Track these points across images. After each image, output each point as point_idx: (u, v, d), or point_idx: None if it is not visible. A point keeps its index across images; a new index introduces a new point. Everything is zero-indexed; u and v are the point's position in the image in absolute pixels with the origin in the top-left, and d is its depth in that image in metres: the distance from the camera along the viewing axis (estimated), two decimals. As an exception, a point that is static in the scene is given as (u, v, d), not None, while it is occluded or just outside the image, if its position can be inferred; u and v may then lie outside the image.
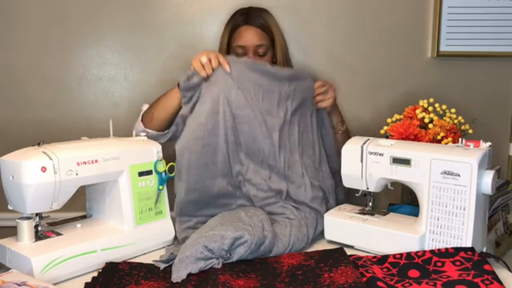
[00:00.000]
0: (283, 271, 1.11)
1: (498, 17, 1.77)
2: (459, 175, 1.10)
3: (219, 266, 1.09)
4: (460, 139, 1.19)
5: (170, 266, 1.14)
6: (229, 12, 1.68)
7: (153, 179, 1.28)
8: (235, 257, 1.13)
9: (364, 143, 1.26)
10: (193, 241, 1.12)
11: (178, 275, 1.07)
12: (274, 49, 1.61)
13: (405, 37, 1.79)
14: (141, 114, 1.49)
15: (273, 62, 1.60)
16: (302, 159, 1.40)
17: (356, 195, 1.31)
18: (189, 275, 1.08)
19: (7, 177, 1.08)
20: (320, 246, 1.27)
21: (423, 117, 1.41)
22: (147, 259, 1.19)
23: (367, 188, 1.27)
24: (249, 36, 1.55)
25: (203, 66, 1.34)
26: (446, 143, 1.32)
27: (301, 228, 1.28)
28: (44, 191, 1.08)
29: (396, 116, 1.47)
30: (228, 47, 1.59)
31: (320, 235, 1.35)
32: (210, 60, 1.34)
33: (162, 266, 1.14)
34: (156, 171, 1.28)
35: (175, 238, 1.31)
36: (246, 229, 1.15)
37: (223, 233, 1.12)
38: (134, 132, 1.37)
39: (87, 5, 1.73)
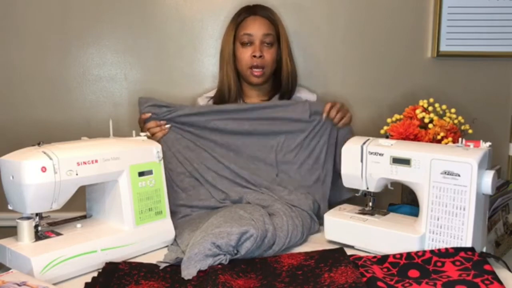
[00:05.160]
0: (283, 271, 1.11)
1: (498, 17, 1.77)
2: (459, 175, 1.10)
3: (227, 262, 1.11)
4: (460, 139, 1.19)
5: (171, 266, 1.14)
6: (229, 12, 1.68)
7: (153, 179, 1.28)
8: (243, 251, 1.14)
9: (364, 143, 1.26)
10: (201, 238, 1.14)
11: (188, 272, 1.08)
12: (278, 44, 1.64)
13: (405, 37, 1.79)
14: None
15: (278, 57, 1.64)
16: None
17: (356, 195, 1.31)
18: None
19: (7, 177, 1.08)
20: (320, 246, 1.26)
21: (423, 117, 1.41)
22: (147, 259, 1.19)
23: (367, 188, 1.27)
24: (257, 25, 1.59)
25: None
26: (446, 143, 1.32)
27: (294, 219, 1.31)
28: (44, 191, 1.08)
29: (396, 116, 1.47)
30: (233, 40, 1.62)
31: (320, 235, 1.35)
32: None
33: (163, 265, 1.14)
34: None
35: (175, 238, 1.31)
36: (250, 224, 1.18)
37: (229, 229, 1.14)
38: (134, 132, 1.37)
39: (87, 5, 1.73)
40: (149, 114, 1.49)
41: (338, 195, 1.54)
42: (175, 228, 1.31)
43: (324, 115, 1.49)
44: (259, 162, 1.50)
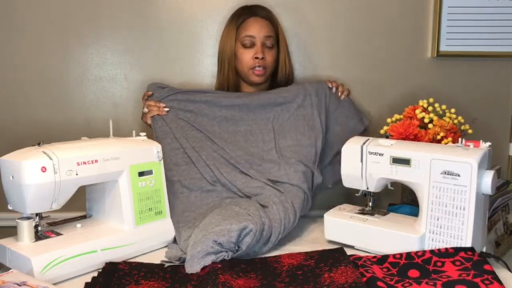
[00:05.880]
0: (283, 271, 1.11)
1: (498, 17, 1.76)
2: (459, 175, 1.10)
3: (229, 258, 1.13)
4: (460, 139, 1.19)
5: (171, 266, 1.15)
6: (229, 11, 1.68)
7: (153, 179, 1.28)
8: (244, 247, 1.16)
9: (364, 143, 1.26)
10: (202, 237, 1.15)
11: (192, 269, 1.11)
12: (277, 45, 1.65)
13: (405, 37, 1.79)
14: None
15: (277, 58, 1.65)
16: (278, 144, 1.53)
17: (356, 195, 1.31)
18: (189, 275, 1.09)
19: (7, 177, 1.08)
20: (320, 246, 1.27)
21: (423, 117, 1.41)
22: (147, 259, 1.19)
23: (367, 188, 1.27)
24: (259, 27, 1.60)
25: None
26: (446, 143, 1.32)
27: (284, 203, 1.34)
28: (44, 191, 1.08)
29: (396, 116, 1.47)
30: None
31: (320, 235, 1.35)
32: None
33: (166, 264, 1.15)
34: None
35: (175, 237, 1.31)
36: (248, 219, 1.20)
37: (228, 227, 1.16)
38: (134, 132, 1.37)
39: (87, 5, 1.73)
40: (150, 92, 1.58)
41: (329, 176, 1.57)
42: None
43: (330, 85, 1.60)
44: (256, 135, 1.54)
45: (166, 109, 1.54)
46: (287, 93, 1.57)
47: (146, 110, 1.55)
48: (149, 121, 1.54)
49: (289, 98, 1.56)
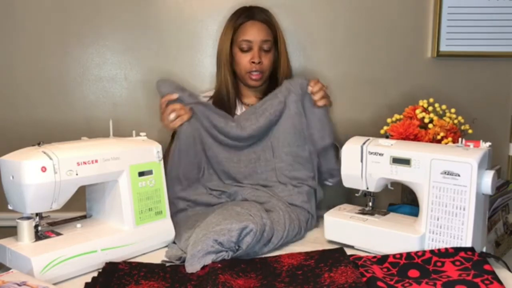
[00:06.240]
0: (283, 271, 1.11)
1: (498, 17, 1.77)
2: (459, 175, 1.10)
3: (229, 257, 1.14)
4: (460, 139, 1.19)
5: (171, 266, 1.15)
6: (228, 12, 1.68)
7: (153, 179, 1.28)
8: (244, 246, 1.16)
9: (364, 143, 1.26)
10: (202, 236, 1.16)
11: (192, 268, 1.11)
12: (276, 47, 1.65)
13: (405, 37, 1.80)
14: None
15: (275, 60, 1.65)
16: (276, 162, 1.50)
17: (356, 195, 1.31)
18: (189, 274, 1.09)
19: (7, 177, 1.08)
20: (320, 246, 1.27)
21: (423, 117, 1.41)
22: (147, 259, 1.19)
23: (367, 188, 1.27)
24: (256, 31, 1.59)
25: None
26: (446, 143, 1.32)
27: (290, 214, 1.35)
28: (44, 191, 1.08)
29: (396, 116, 1.47)
30: (230, 43, 1.62)
31: (320, 235, 1.35)
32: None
33: (167, 264, 1.15)
34: None
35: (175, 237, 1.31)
36: (248, 219, 1.20)
37: (229, 226, 1.17)
38: (134, 132, 1.37)
39: (87, 5, 1.73)
40: (177, 95, 1.44)
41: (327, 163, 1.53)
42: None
43: (310, 87, 1.46)
44: (258, 153, 1.53)
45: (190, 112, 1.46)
46: (277, 110, 1.48)
47: (173, 116, 1.42)
48: (177, 128, 1.45)
49: (279, 111, 1.48)
